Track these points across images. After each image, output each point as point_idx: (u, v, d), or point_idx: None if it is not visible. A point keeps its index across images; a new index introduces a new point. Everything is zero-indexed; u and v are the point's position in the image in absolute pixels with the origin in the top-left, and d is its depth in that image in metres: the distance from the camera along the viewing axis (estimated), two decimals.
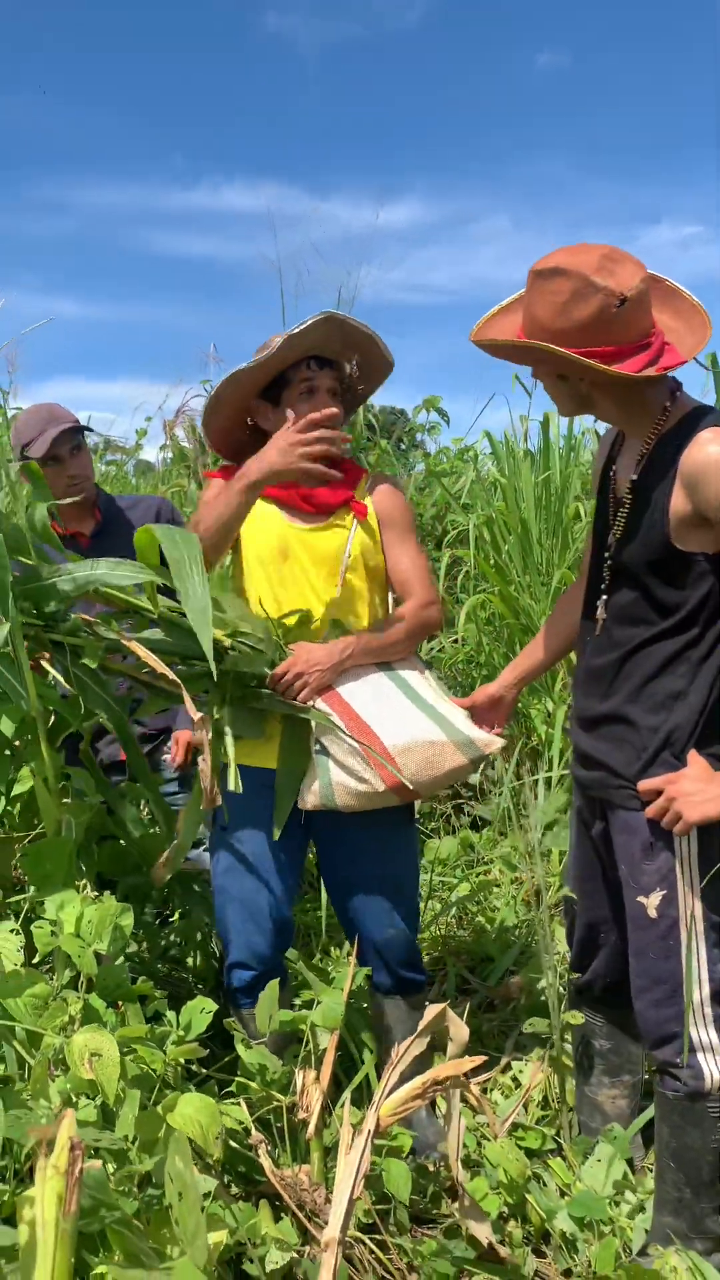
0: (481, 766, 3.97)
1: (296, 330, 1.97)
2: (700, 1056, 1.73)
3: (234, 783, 1.96)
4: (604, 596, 1.82)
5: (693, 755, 1.70)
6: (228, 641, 1.99)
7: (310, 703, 2.01)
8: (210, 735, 1.92)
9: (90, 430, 2.72)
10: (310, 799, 2.00)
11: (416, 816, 3.88)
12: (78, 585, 1.90)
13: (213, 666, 1.81)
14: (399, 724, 1.98)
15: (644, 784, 1.73)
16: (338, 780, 1.97)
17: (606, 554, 1.81)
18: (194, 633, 1.80)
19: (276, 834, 2.06)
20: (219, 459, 2.31)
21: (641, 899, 1.75)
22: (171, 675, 1.91)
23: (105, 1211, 1.08)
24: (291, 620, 2.06)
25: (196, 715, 1.90)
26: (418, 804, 3.94)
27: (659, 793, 1.71)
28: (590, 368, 1.62)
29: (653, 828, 1.74)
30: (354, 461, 2.22)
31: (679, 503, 1.66)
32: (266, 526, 2.11)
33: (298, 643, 2.05)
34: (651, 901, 1.74)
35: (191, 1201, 1.07)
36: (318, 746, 2.00)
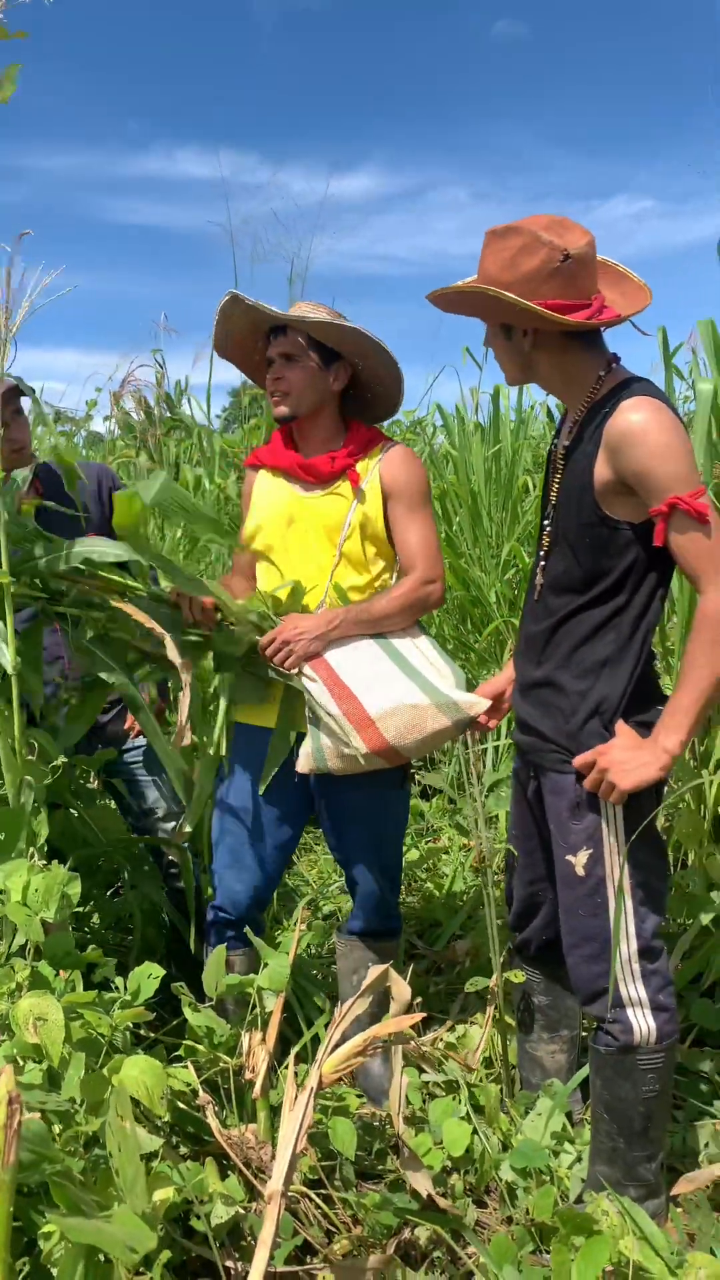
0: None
1: (291, 314, 2.09)
2: (629, 1011, 1.79)
3: (225, 747, 2.11)
4: (542, 564, 1.86)
5: (620, 725, 1.75)
6: (217, 615, 2.07)
7: (296, 670, 2.05)
8: (191, 678, 1.99)
9: (28, 392, 2.69)
10: (303, 762, 2.06)
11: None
12: (70, 563, 1.96)
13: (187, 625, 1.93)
14: (382, 688, 2.02)
15: (578, 760, 1.77)
16: (327, 744, 2.03)
17: (546, 522, 1.85)
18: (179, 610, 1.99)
19: (262, 789, 2.15)
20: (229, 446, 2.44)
21: (570, 858, 1.80)
22: (159, 630, 1.96)
23: (46, 1166, 1.10)
24: (284, 594, 2.11)
25: (179, 660, 1.96)
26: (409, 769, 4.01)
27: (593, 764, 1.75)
28: (530, 311, 1.66)
29: (580, 790, 1.78)
30: (377, 432, 2.24)
31: (602, 469, 1.70)
32: (275, 494, 2.19)
33: (288, 613, 2.10)
34: (579, 860, 1.79)
35: (130, 1151, 1.10)
36: (310, 714, 2.06)
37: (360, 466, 2.16)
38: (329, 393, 2.15)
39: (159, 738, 2.12)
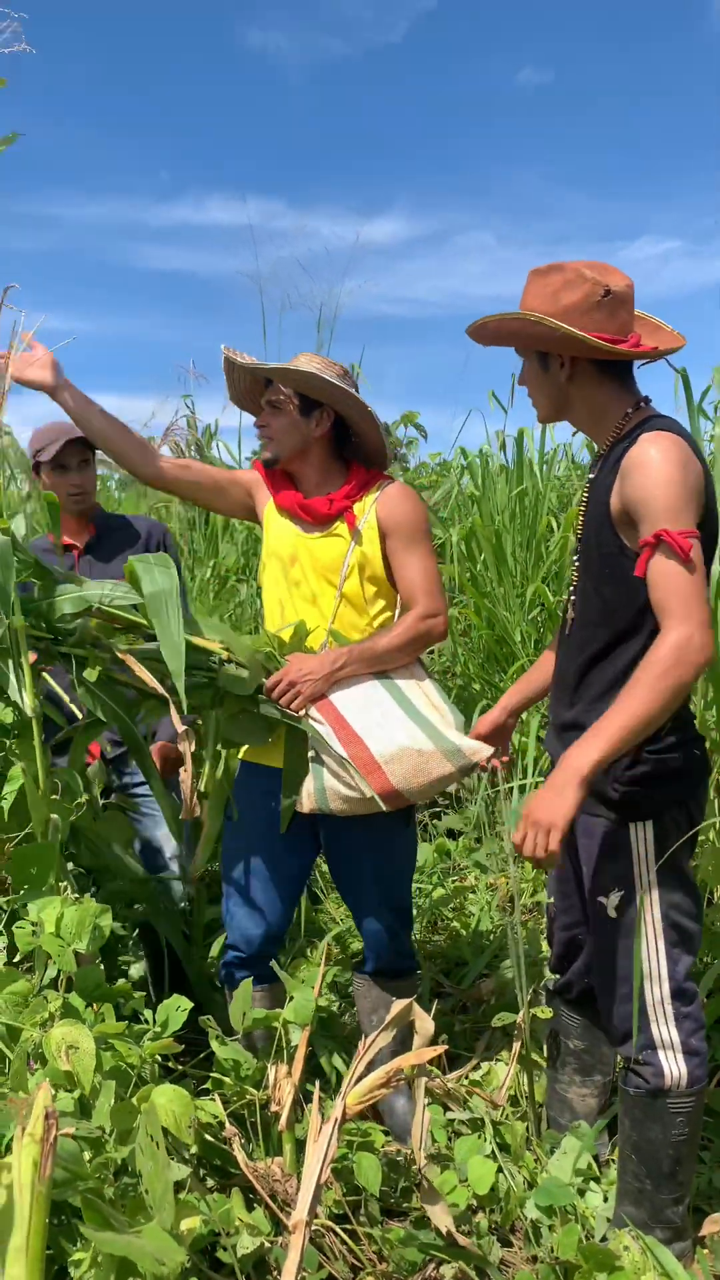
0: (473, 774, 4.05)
1: (282, 364, 2.15)
2: (660, 1054, 1.79)
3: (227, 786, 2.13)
4: (572, 597, 1.89)
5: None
6: (224, 655, 2.08)
7: (302, 711, 2.09)
8: (193, 747, 2.01)
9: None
10: (306, 803, 2.10)
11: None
12: (77, 605, 1.99)
13: (183, 697, 1.90)
14: (387, 732, 2.06)
15: (517, 839, 1.71)
16: (330, 786, 2.07)
17: (574, 556, 1.89)
18: (189, 650, 1.96)
19: (283, 828, 2.17)
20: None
21: (601, 899, 1.81)
22: (161, 690, 1.98)
23: (79, 1183, 1.14)
24: (287, 634, 2.15)
25: (181, 727, 1.99)
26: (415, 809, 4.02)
27: (609, 802, 1.78)
28: (571, 336, 1.71)
29: (610, 830, 1.80)
30: (376, 471, 2.29)
31: (615, 498, 1.73)
32: (281, 531, 2.25)
33: (293, 653, 2.14)
34: (610, 901, 1.79)
35: (160, 1168, 1.13)
36: (313, 753, 2.10)
37: (357, 507, 2.20)
38: (311, 438, 2.20)
39: (156, 779, 2.16)
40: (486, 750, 2.12)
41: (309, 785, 2.10)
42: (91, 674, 2.03)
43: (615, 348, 1.75)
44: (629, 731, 1.61)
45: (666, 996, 1.78)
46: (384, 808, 2.06)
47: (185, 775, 1.98)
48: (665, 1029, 1.78)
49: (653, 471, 1.65)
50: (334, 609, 2.17)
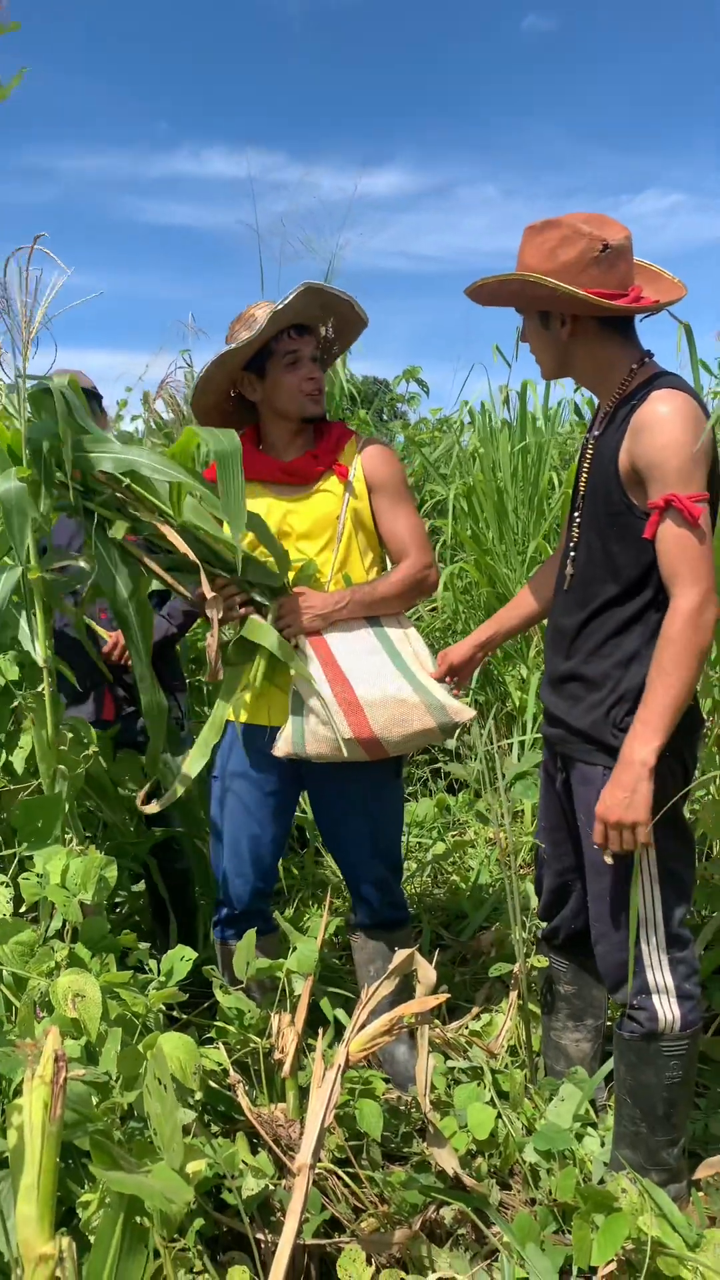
0: (456, 733, 4.06)
1: (280, 306, 2.03)
2: (655, 998, 1.82)
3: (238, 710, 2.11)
4: (572, 553, 1.89)
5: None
6: (250, 549, 2.06)
7: (295, 642, 2.08)
8: (220, 614, 1.99)
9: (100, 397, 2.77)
10: (282, 746, 2.08)
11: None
12: (117, 465, 1.92)
13: (239, 558, 1.91)
14: (374, 678, 2.06)
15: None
16: (309, 728, 2.04)
17: (576, 513, 1.88)
18: (208, 544, 1.94)
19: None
20: None
21: (599, 846, 1.83)
22: (193, 555, 1.95)
23: (88, 1125, 1.16)
24: (295, 568, 2.13)
25: (210, 593, 1.97)
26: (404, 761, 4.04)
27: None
28: (570, 295, 1.70)
29: (608, 778, 1.80)
30: (342, 424, 2.28)
31: (625, 457, 1.72)
32: (256, 508, 2.15)
33: (299, 585, 2.13)
34: (608, 851, 1.81)
35: (169, 1109, 1.15)
36: (294, 697, 2.08)
37: (344, 460, 2.19)
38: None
39: (142, 660, 2.08)
40: (470, 713, 2.12)
41: (286, 730, 2.08)
42: (119, 531, 1.98)
43: (616, 304, 1.73)
44: (674, 710, 1.66)
45: (662, 942, 1.81)
46: (360, 754, 2.05)
47: (211, 639, 1.97)
48: (660, 974, 1.82)
49: (664, 432, 1.65)
50: (333, 561, 2.16)
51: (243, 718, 2.20)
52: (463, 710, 2.11)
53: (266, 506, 2.16)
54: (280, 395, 2.15)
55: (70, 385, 1.90)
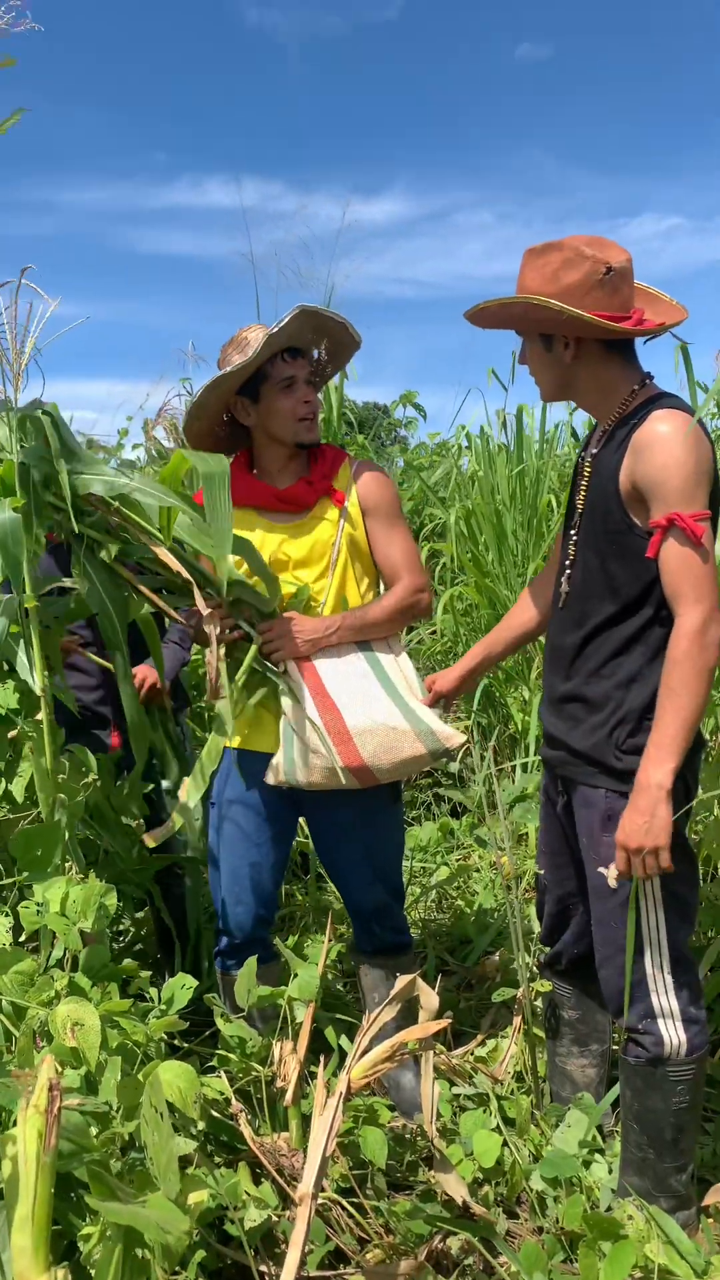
0: (459, 756, 4.04)
1: (275, 329, 2.04)
2: (660, 1023, 1.80)
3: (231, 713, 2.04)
4: (568, 571, 1.89)
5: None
6: (237, 573, 2.05)
7: (283, 667, 2.07)
8: (218, 630, 1.98)
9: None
10: (274, 775, 2.07)
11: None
12: (109, 490, 1.91)
13: (223, 582, 1.90)
14: (364, 705, 2.05)
15: (618, 870, 1.76)
16: (300, 756, 2.03)
17: (573, 530, 1.88)
18: (197, 567, 1.93)
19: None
20: None
21: (602, 870, 1.82)
22: (186, 574, 1.94)
23: (85, 1155, 1.15)
24: (288, 593, 2.12)
25: (207, 610, 1.95)
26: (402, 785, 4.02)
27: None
28: (577, 318, 1.70)
29: (610, 801, 1.80)
30: (333, 446, 2.27)
31: (626, 476, 1.73)
32: (253, 538, 2.13)
33: (290, 611, 2.12)
34: (611, 872, 1.80)
35: (165, 1138, 1.14)
36: (284, 724, 2.06)
37: (338, 485, 2.18)
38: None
39: (130, 683, 2.07)
40: (460, 738, 2.12)
41: (277, 757, 2.07)
42: (109, 554, 1.97)
43: (621, 327, 1.74)
44: (686, 730, 1.66)
45: (666, 965, 1.80)
46: (351, 782, 2.03)
47: (211, 657, 1.95)
48: (665, 998, 1.80)
49: (665, 451, 1.66)
50: (327, 589, 2.15)
51: (238, 743, 2.18)
52: (454, 736, 2.10)
53: (261, 535, 2.15)
54: (275, 420, 2.14)
55: (51, 412, 1.91)
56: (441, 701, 2.20)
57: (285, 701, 2.06)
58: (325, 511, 2.17)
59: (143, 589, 2.03)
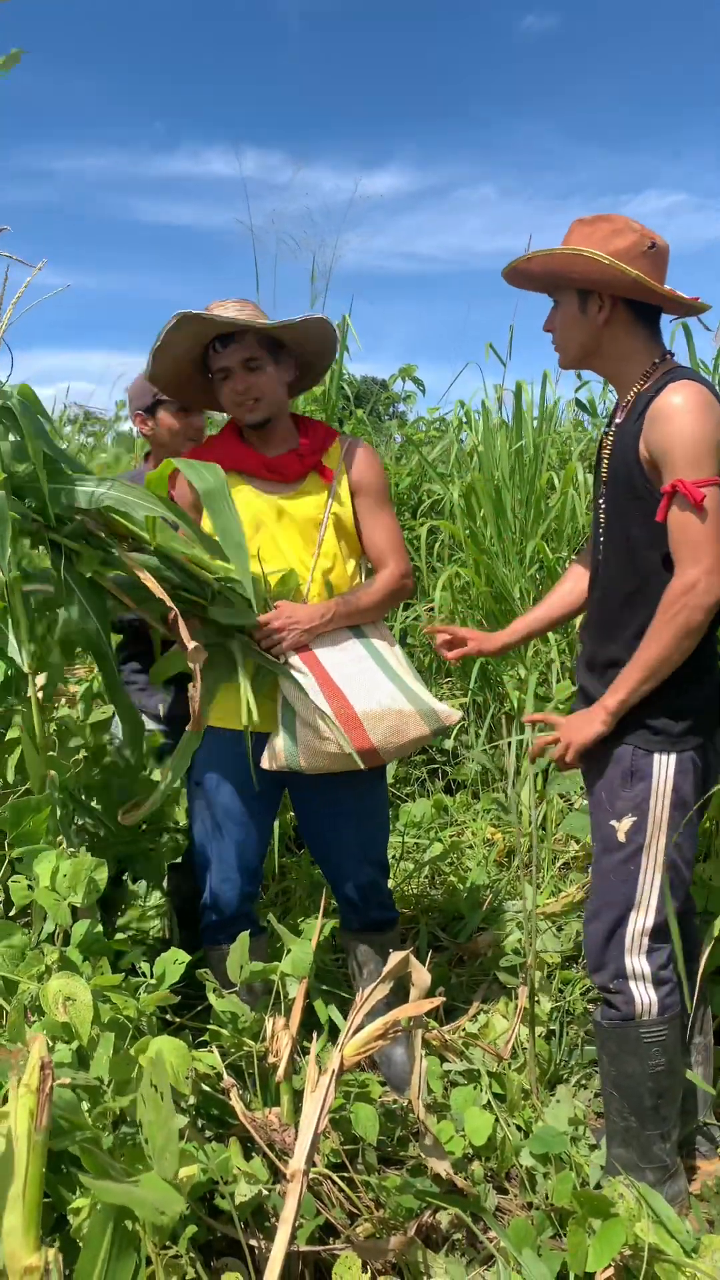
0: (440, 737, 4.04)
1: (205, 312, 2.03)
2: (631, 984, 1.85)
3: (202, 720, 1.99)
4: (601, 541, 1.93)
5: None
6: (216, 586, 2.02)
7: (284, 659, 2.07)
8: (201, 664, 1.94)
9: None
10: (274, 760, 2.06)
11: (388, 781, 3.96)
12: (90, 501, 1.87)
13: (251, 595, 1.90)
14: (369, 690, 2.05)
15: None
16: (304, 741, 2.02)
17: (601, 500, 1.93)
18: (186, 568, 1.91)
19: (255, 787, 2.13)
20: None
21: (614, 823, 1.86)
22: (169, 601, 1.89)
23: (77, 1133, 1.14)
24: (275, 579, 2.11)
25: (191, 644, 1.91)
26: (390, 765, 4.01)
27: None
28: (624, 271, 1.75)
29: (635, 758, 1.84)
30: (324, 424, 2.25)
31: (643, 445, 1.78)
32: (238, 500, 2.09)
33: (282, 600, 2.10)
34: (623, 826, 1.84)
35: (163, 1117, 1.13)
36: (283, 709, 2.06)
37: (327, 461, 2.16)
38: (287, 388, 2.17)
39: (120, 692, 2.05)
40: (457, 715, 2.15)
41: (278, 743, 2.05)
42: (87, 567, 1.92)
43: (663, 289, 1.79)
44: (648, 673, 1.77)
45: (647, 928, 1.84)
46: (360, 765, 2.03)
47: (195, 690, 1.92)
48: (638, 959, 1.85)
49: (675, 421, 1.71)
50: (313, 566, 2.13)
51: (216, 721, 2.14)
52: (452, 714, 2.13)
53: (246, 500, 2.12)
54: (226, 405, 2.14)
55: (23, 393, 1.84)
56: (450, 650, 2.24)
57: (287, 689, 2.05)
58: (313, 486, 2.16)
59: (124, 599, 1.99)
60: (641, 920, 1.83)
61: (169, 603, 1.89)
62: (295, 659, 2.07)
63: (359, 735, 2.01)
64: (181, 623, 1.92)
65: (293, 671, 2.06)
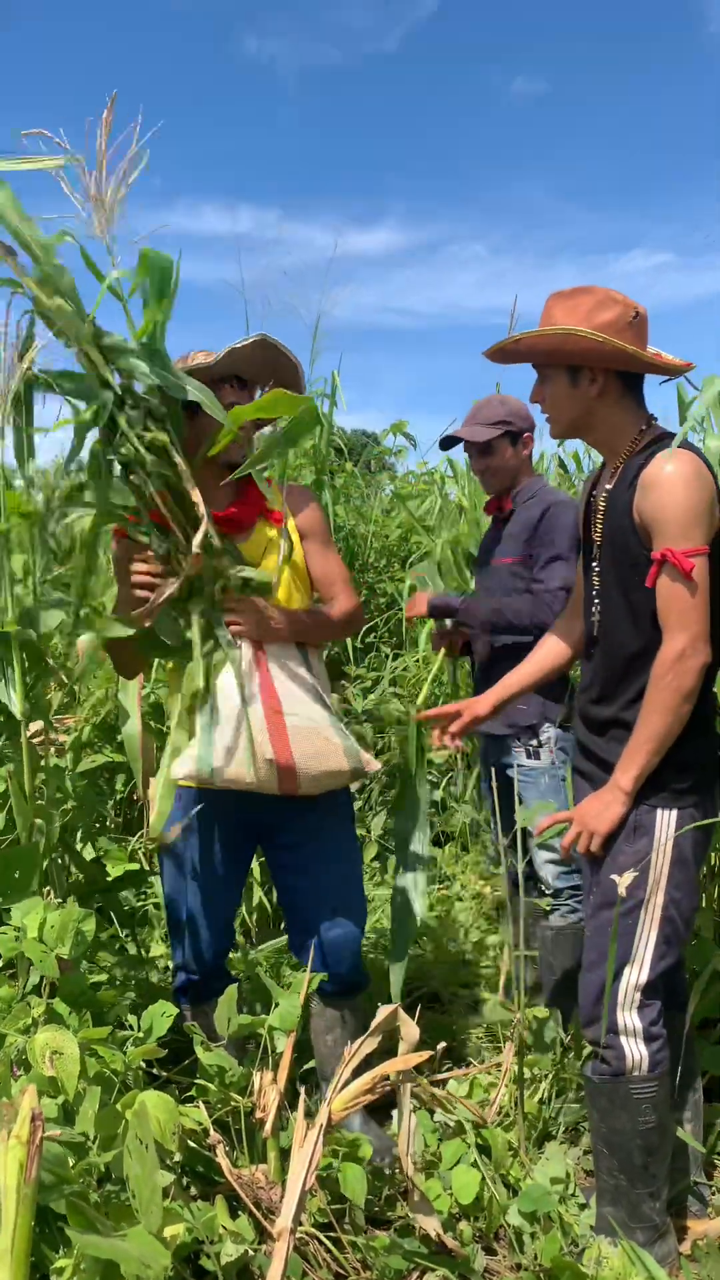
0: (443, 787, 4.04)
1: (239, 343, 2.05)
2: (623, 1039, 1.84)
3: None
4: (595, 603, 1.96)
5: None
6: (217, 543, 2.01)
7: (239, 643, 2.02)
8: (194, 571, 1.94)
9: None
10: (186, 765, 1.96)
11: (376, 832, 3.95)
12: (179, 390, 1.86)
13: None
14: (304, 707, 2.02)
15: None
16: (224, 745, 1.95)
17: (594, 563, 1.96)
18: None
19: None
20: None
21: (615, 876, 1.84)
22: (202, 508, 1.90)
23: (64, 1187, 1.13)
24: (264, 579, 2.09)
25: (196, 551, 1.91)
26: (375, 822, 4.00)
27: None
28: (619, 348, 1.79)
29: (637, 814, 1.85)
30: (251, 477, 2.22)
31: (636, 512, 1.81)
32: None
33: (256, 596, 2.08)
34: (624, 880, 1.83)
35: (148, 1171, 1.12)
36: (211, 711, 1.97)
37: (276, 506, 2.17)
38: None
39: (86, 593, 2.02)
40: (377, 764, 2.14)
41: (192, 749, 1.96)
42: (137, 453, 1.90)
43: (658, 359, 1.84)
44: (655, 744, 1.80)
45: (641, 984, 1.84)
46: (270, 780, 1.96)
47: (170, 588, 1.91)
48: (629, 1015, 1.85)
49: (667, 490, 1.76)
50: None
51: (187, 781, 2.04)
52: (372, 762, 2.12)
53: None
54: (207, 440, 2.07)
55: (156, 259, 1.82)
56: (454, 738, 2.27)
57: (223, 683, 1.98)
58: (266, 532, 2.17)
59: (157, 498, 1.93)
60: (635, 975, 1.83)
61: (201, 508, 1.89)
62: (246, 651, 2.02)
63: (282, 746, 1.96)
64: (206, 522, 1.91)
65: (237, 658, 2.00)
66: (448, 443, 2.90)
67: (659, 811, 1.84)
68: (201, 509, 1.91)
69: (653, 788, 1.84)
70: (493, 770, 2.80)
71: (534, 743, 2.73)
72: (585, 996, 1.90)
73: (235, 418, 1.91)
